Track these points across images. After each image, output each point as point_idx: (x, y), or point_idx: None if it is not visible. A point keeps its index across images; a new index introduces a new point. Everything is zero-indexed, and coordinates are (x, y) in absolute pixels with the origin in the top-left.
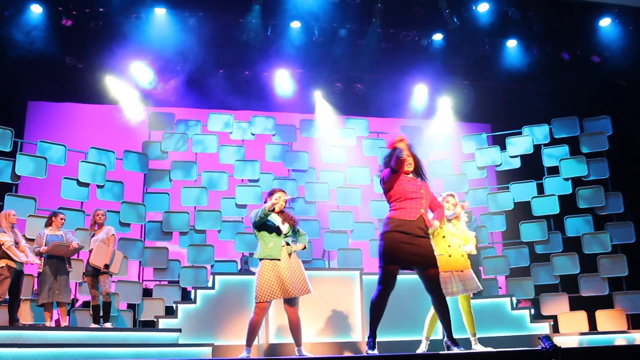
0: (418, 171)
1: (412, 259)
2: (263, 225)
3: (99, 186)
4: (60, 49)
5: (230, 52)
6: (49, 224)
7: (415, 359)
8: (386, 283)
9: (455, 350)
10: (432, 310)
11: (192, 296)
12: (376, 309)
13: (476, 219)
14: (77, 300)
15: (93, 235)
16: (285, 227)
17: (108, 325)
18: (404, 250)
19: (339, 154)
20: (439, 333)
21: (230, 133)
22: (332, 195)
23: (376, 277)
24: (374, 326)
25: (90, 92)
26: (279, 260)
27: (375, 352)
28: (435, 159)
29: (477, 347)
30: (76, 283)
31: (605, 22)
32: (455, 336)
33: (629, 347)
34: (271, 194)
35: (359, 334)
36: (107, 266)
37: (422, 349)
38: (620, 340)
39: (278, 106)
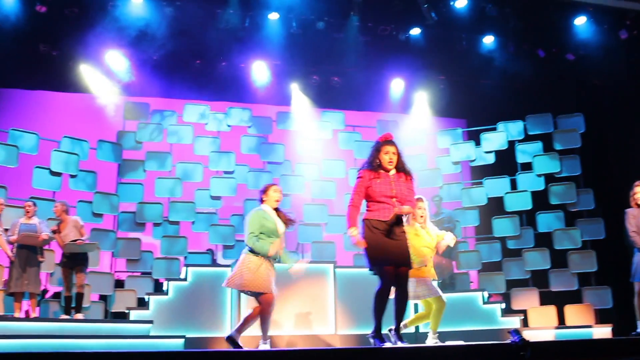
0: (400, 167)
1: (390, 258)
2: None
3: (71, 176)
4: (34, 35)
5: (207, 43)
6: (25, 213)
7: (369, 352)
8: (385, 282)
9: (399, 343)
10: (432, 307)
11: (165, 288)
12: (376, 308)
13: (450, 216)
14: (47, 290)
15: (59, 232)
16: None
17: (79, 316)
18: (384, 250)
19: (315, 147)
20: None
21: (206, 124)
22: (307, 188)
23: (349, 271)
24: (378, 322)
25: (64, 80)
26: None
27: (388, 344)
28: (411, 154)
29: (431, 342)
30: (47, 274)
31: (580, 21)
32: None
33: (595, 341)
34: (265, 191)
35: (331, 326)
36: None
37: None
38: (587, 334)
39: (254, 98)
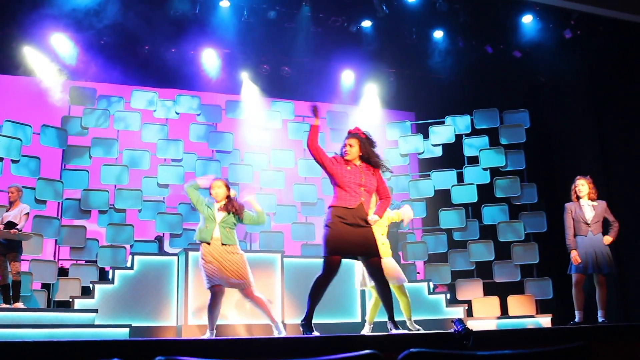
0: (366, 159)
1: (354, 249)
2: None
3: (13, 161)
4: None
5: (157, 29)
6: None
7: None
8: (327, 272)
9: (395, 331)
10: (374, 296)
11: (110, 276)
12: (314, 295)
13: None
14: None
15: (7, 211)
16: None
17: (19, 305)
18: (347, 241)
19: (264, 137)
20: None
21: (154, 111)
22: (256, 178)
23: (297, 260)
24: (311, 310)
25: (6, 62)
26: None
27: (316, 333)
28: None
29: (413, 328)
30: None
31: (527, 19)
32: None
33: (534, 330)
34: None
35: (278, 315)
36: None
37: (365, 331)
38: (529, 324)
39: (204, 86)
